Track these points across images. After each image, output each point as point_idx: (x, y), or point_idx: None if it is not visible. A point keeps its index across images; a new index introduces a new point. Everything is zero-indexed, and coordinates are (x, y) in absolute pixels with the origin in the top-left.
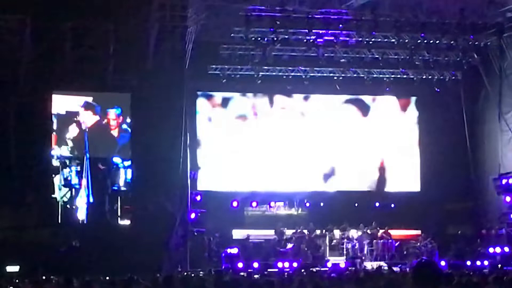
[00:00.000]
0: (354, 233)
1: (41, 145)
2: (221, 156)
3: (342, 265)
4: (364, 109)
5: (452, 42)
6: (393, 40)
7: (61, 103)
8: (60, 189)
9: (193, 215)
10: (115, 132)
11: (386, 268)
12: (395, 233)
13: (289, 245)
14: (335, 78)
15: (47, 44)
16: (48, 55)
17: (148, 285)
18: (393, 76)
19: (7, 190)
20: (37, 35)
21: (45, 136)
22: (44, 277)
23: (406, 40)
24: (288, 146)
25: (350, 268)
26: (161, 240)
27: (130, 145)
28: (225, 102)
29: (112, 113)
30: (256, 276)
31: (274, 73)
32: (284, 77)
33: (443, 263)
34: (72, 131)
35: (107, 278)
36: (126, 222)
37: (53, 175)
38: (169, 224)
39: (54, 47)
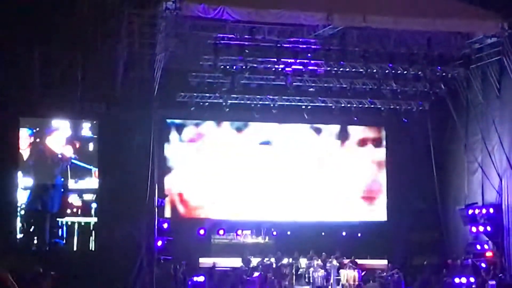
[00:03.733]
0: (320, 262)
1: (7, 173)
2: (189, 184)
3: None
4: (332, 138)
5: (419, 73)
6: (361, 70)
7: None
8: None
9: (160, 243)
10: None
11: None
12: (361, 262)
13: (256, 274)
14: (303, 107)
15: (14, 71)
16: (15, 81)
17: None
18: (360, 105)
19: None
20: (5, 62)
21: (11, 164)
22: None
23: (374, 70)
24: (255, 174)
25: None
26: (127, 267)
27: (97, 172)
28: (192, 129)
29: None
30: None
31: (242, 101)
32: (253, 105)
33: None
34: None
35: None
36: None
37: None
38: (135, 251)
39: (22, 72)
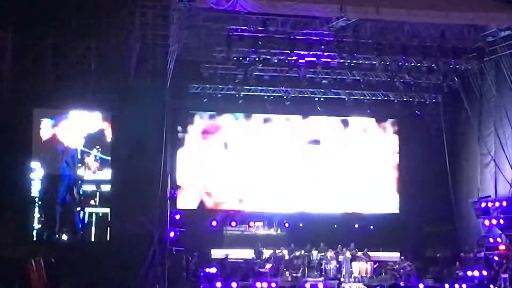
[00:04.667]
0: (332, 254)
1: (20, 161)
2: (201, 176)
3: (321, 286)
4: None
5: (433, 65)
6: (374, 63)
7: None
8: None
9: (172, 234)
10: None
11: None
12: (374, 254)
13: (268, 265)
14: (316, 99)
15: (28, 60)
16: (29, 72)
17: None
18: (373, 98)
19: None
20: (18, 51)
21: (24, 153)
22: None
23: (387, 63)
24: (268, 166)
25: None
26: (139, 258)
27: (110, 163)
28: (207, 121)
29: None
30: None
31: (255, 93)
32: (265, 97)
33: (421, 286)
34: None
35: None
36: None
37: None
38: (147, 242)
39: (35, 63)
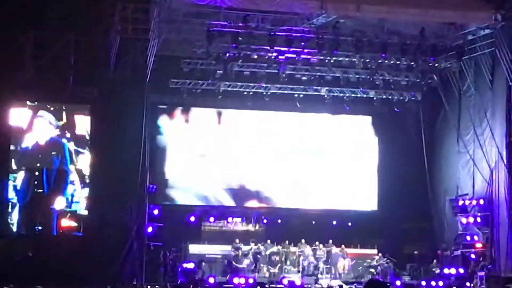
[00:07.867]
0: (310, 250)
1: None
2: (180, 170)
3: (298, 282)
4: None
5: (412, 63)
6: (354, 60)
7: None
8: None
9: (150, 229)
10: None
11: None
12: (351, 251)
13: (246, 261)
14: (296, 95)
15: (7, 53)
16: (8, 65)
17: None
18: (353, 95)
19: None
20: None
21: (2, 148)
22: None
23: (367, 60)
24: (247, 162)
25: (305, 286)
26: (116, 252)
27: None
28: (186, 116)
29: None
30: None
31: (235, 89)
32: (245, 93)
33: (398, 282)
34: None
35: None
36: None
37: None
38: (124, 237)
39: (15, 57)
